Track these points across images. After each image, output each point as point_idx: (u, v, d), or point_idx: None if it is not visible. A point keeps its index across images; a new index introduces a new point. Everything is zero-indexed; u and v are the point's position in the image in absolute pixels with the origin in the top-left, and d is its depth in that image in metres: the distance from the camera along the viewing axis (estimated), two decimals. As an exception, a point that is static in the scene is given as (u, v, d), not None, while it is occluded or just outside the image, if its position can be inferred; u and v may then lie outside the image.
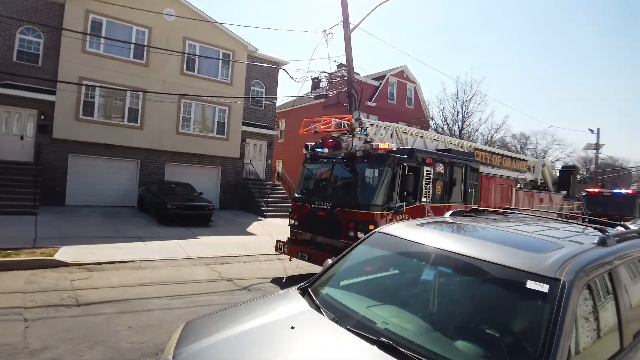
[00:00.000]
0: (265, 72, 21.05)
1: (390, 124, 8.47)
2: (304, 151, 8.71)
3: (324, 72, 20.51)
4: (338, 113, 24.23)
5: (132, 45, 16.90)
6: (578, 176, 15.94)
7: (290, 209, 8.78)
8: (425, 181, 7.80)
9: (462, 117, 20.77)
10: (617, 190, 18.67)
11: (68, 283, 6.81)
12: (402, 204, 7.28)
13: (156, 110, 17.32)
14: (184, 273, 8.11)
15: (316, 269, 8.68)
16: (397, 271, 2.96)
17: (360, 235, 7.00)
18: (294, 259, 8.41)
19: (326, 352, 2.10)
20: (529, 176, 12.39)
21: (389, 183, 7.13)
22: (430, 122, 24.38)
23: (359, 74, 24.94)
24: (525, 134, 34.73)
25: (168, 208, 13.33)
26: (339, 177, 7.84)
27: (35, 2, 15.70)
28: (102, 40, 16.30)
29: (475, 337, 2.17)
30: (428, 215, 7.83)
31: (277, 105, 23.53)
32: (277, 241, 8.54)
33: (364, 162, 7.38)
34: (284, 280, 7.98)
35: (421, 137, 9.36)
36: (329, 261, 3.40)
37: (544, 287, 2.11)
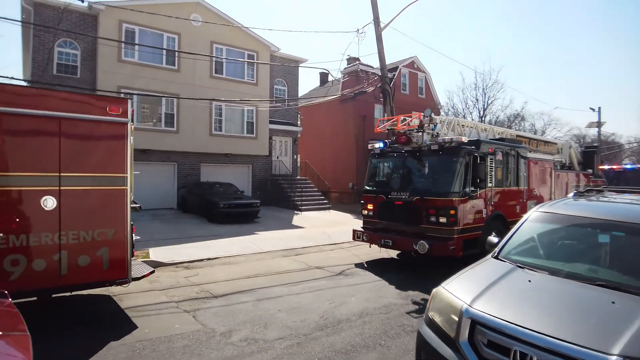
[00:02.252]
0: (286, 70, 21.69)
1: (451, 118, 9.29)
2: (371, 148, 9.53)
3: (359, 67, 21.10)
4: (355, 107, 24.97)
5: (164, 52, 17.45)
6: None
7: (362, 201, 9.57)
8: (490, 168, 8.65)
9: (484, 105, 21.67)
10: (629, 166, 19.85)
11: (184, 280, 7.56)
12: (474, 189, 8.13)
13: (189, 114, 17.94)
14: (272, 265, 8.90)
15: (390, 253, 9.58)
16: (568, 240, 3.80)
17: (442, 219, 7.86)
18: (363, 246, 9.21)
19: (569, 293, 2.92)
20: (558, 158, 13.31)
21: (464, 172, 7.96)
22: (451, 110, 25.21)
23: (372, 67, 25.75)
24: (521, 114, 35.63)
25: (220, 207, 14.06)
26: (413, 170, 8.64)
27: (70, 15, 16.13)
28: (136, 48, 16.84)
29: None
30: (492, 200, 8.70)
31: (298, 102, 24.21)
32: (354, 230, 9.36)
33: (439, 154, 8.19)
34: (365, 265, 8.84)
35: (474, 128, 10.20)
36: (494, 239, 4.24)
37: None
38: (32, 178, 4.44)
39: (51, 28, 15.37)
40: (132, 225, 5.17)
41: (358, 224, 10.05)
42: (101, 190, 4.87)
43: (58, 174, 4.57)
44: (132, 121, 5.13)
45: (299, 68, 22.36)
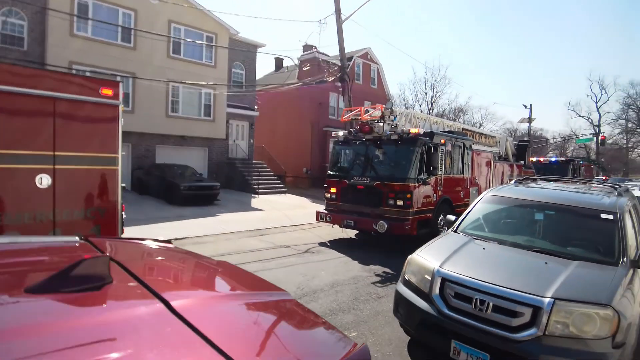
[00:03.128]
0: (245, 54, 21.64)
1: (408, 110, 10.17)
2: (334, 136, 10.20)
3: (316, 55, 21.39)
4: (311, 94, 25.38)
5: (119, 29, 16.81)
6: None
7: (325, 185, 10.24)
8: (440, 158, 9.66)
9: (432, 98, 23.16)
10: (554, 159, 22.47)
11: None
12: (427, 176, 9.10)
13: (146, 94, 17.50)
14: (242, 244, 9.36)
15: (348, 233, 10.40)
16: (511, 217, 4.71)
17: (399, 202, 8.75)
18: (323, 227, 9.91)
19: (513, 257, 3.79)
20: (496, 150, 14.84)
21: (419, 160, 8.88)
22: (402, 102, 26.60)
23: (327, 55, 26.31)
24: (464, 108, 38.29)
25: (181, 190, 14.12)
26: (374, 157, 9.42)
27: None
28: (89, 23, 16.07)
29: (577, 245, 4.00)
30: (441, 187, 9.75)
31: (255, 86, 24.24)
32: (318, 212, 10.04)
33: (397, 144, 9.03)
34: (328, 244, 9.58)
35: (427, 120, 11.20)
36: (452, 217, 5.08)
37: (610, 216, 3.97)
38: (27, 156, 4.59)
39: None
40: (122, 204, 5.43)
41: (315, 208, 10.78)
42: (94, 170, 5.09)
43: (53, 153, 4.74)
44: (122, 104, 5.34)
45: (257, 53, 22.39)
